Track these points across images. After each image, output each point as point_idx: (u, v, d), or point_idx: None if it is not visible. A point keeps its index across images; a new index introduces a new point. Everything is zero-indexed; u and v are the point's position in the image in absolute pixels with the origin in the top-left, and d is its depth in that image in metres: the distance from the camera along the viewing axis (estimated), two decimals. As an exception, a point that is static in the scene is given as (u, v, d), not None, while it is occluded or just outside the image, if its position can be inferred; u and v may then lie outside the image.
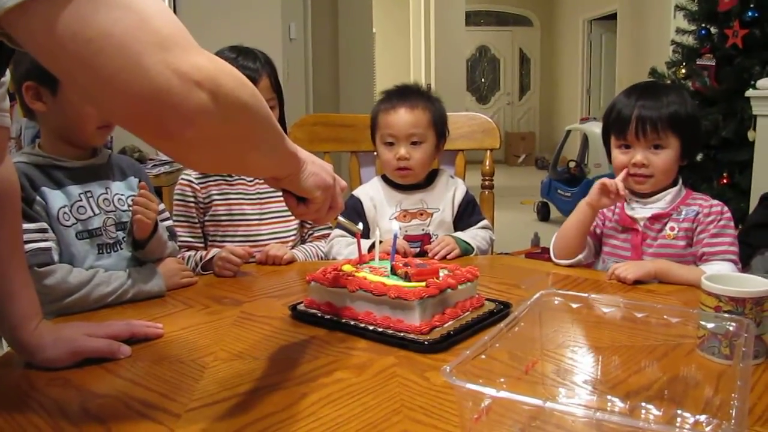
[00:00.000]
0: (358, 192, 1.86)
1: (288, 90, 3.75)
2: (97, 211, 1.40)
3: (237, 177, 1.80)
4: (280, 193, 1.78)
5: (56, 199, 1.35)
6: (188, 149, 0.69)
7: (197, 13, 3.59)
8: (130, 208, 1.43)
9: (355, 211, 1.78)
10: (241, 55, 1.71)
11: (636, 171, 1.53)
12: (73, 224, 1.36)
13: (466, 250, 1.71)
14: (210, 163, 0.79)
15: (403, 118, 1.73)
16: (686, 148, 1.54)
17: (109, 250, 1.42)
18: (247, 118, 0.74)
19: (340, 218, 1.14)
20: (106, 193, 1.43)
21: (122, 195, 1.47)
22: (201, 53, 0.66)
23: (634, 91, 1.57)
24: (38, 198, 1.32)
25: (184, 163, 0.82)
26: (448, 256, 1.65)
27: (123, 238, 1.44)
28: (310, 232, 1.89)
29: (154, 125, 0.64)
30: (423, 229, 1.78)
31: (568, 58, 10.98)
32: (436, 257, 1.64)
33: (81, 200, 1.38)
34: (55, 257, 1.30)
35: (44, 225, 1.31)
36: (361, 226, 1.33)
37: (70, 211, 1.36)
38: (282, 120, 1.82)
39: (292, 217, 1.83)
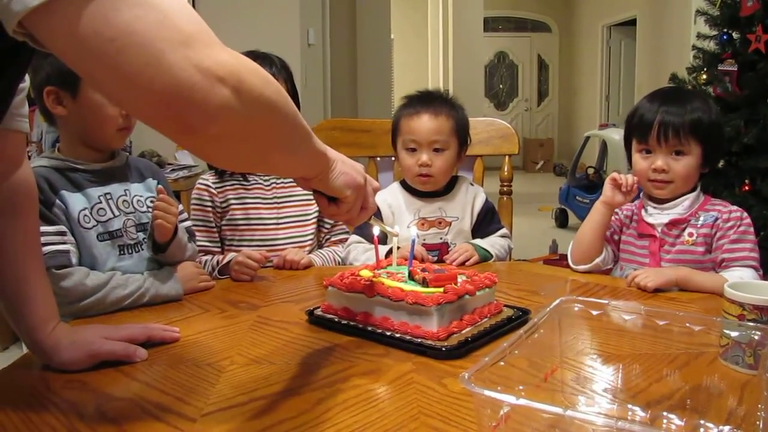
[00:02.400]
0: (375, 198, 1.84)
1: (306, 95, 3.77)
2: (116, 212, 1.41)
3: (254, 181, 1.80)
4: (297, 198, 1.81)
5: (76, 201, 1.36)
6: (212, 145, 0.69)
7: (216, 19, 3.59)
8: (150, 210, 1.44)
9: (372, 217, 1.77)
10: (257, 60, 1.70)
11: (656, 177, 1.52)
12: (94, 226, 1.37)
13: (485, 256, 1.70)
14: (234, 160, 0.79)
15: (426, 124, 1.72)
16: (708, 155, 1.52)
17: (130, 251, 1.43)
18: (271, 115, 0.74)
19: (374, 220, 1.14)
20: (125, 195, 1.45)
21: (141, 196, 1.48)
22: (224, 50, 0.66)
23: (657, 96, 1.55)
24: (58, 201, 1.33)
25: (208, 160, 0.82)
26: (466, 263, 1.64)
27: (143, 239, 1.45)
28: (327, 236, 1.89)
29: (177, 121, 0.64)
30: (441, 238, 1.77)
31: (586, 64, 10.94)
32: (454, 263, 1.63)
33: (101, 202, 1.40)
34: (73, 260, 1.31)
35: (63, 228, 1.32)
36: (398, 228, 1.32)
37: (90, 213, 1.37)
38: None
39: (310, 222, 1.83)
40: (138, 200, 1.47)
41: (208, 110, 0.64)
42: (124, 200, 1.44)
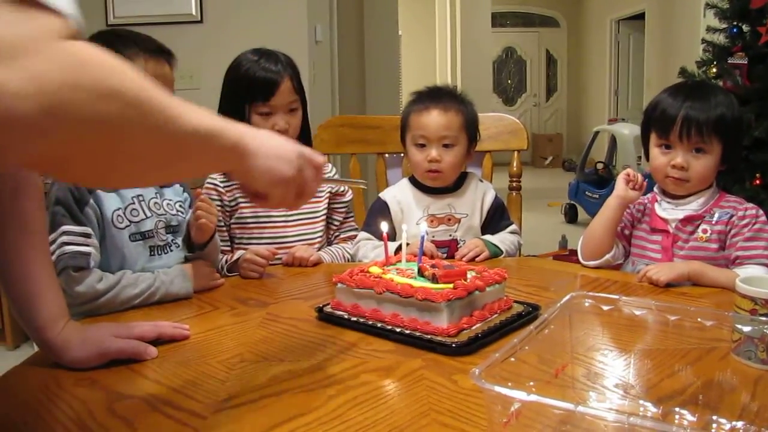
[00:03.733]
0: (384, 195, 1.84)
1: (314, 92, 3.76)
2: (149, 213, 1.45)
3: None
4: None
5: (111, 201, 1.39)
6: (43, 169, 0.61)
7: (223, 16, 3.61)
8: (179, 213, 1.51)
9: (381, 213, 1.77)
10: (263, 58, 1.72)
11: (674, 173, 1.50)
12: (127, 226, 1.40)
13: (495, 253, 1.69)
14: (90, 180, 0.70)
15: (435, 119, 1.71)
16: (728, 153, 1.49)
17: (160, 252, 1.46)
18: (109, 132, 0.61)
19: (330, 181, 1.09)
20: (156, 198, 1.48)
21: (171, 200, 1.52)
22: (47, 60, 0.55)
23: (680, 91, 1.52)
24: (92, 201, 1.36)
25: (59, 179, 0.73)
26: (476, 259, 1.64)
27: (172, 240, 1.49)
28: (337, 233, 1.89)
29: None
30: (450, 235, 1.76)
31: (595, 59, 10.89)
32: (464, 259, 1.63)
33: (134, 203, 1.43)
34: (92, 263, 1.32)
35: (88, 230, 1.34)
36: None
37: (124, 213, 1.41)
38: (306, 121, 1.83)
39: (319, 219, 1.83)
40: (168, 203, 1.51)
41: (14, 135, 0.54)
42: (156, 202, 1.48)
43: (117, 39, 1.38)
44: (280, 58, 1.75)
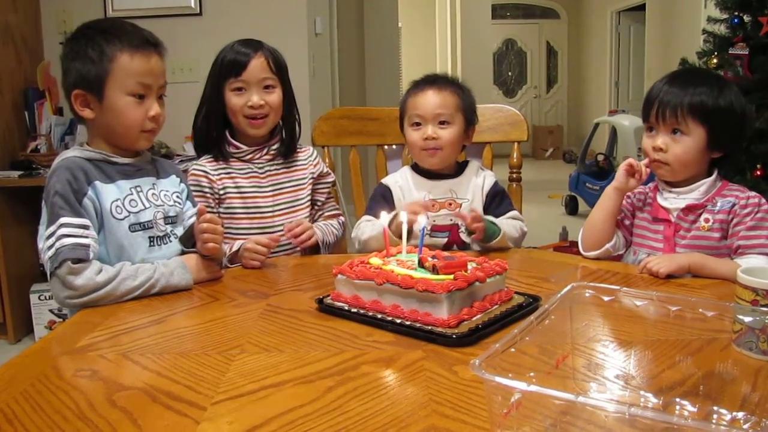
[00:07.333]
0: (387, 180, 1.84)
1: (314, 84, 3.75)
2: (147, 204, 1.45)
3: (249, 169, 1.81)
4: (290, 184, 1.84)
5: (109, 192, 1.39)
6: None
7: (222, 9, 3.60)
8: (176, 204, 1.52)
9: (383, 198, 1.77)
10: (240, 43, 1.78)
11: (655, 156, 1.51)
12: (126, 217, 1.40)
13: (493, 231, 1.63)
14: None
15: (430, 98, 1.71)
16: (714, 139, 1.48)
17: (159, 243, 1.46)
18: None
19: None
20: (153, 189, 1.49)
21: (167, 191, 1.52)
22: None
23: (669, 77, 1.54)
24: (90, 192, 1.36)
25: None
26: (472, 226, 1.58)
27: (171, 231, 1.49)
28: (320, 212, 1.93)
29: None
30: (451, 219, 1.74)
31: (596, 51, 10.86)
32: (461, 219, 1.61)
33: (132, 194, 1.43)
34: (91, 255, 1.32)
35: (86, 222, 1.33)
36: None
37: (123, 204, 1.41)
38: (291, 103, 1.86)
39: (302, 207, 1.86)
40: (165, 194, 1.51)
41: None
42: (153, 193, 1.48)
43: (100, 35, 1.38)
44: (260, 42, 1.79)
